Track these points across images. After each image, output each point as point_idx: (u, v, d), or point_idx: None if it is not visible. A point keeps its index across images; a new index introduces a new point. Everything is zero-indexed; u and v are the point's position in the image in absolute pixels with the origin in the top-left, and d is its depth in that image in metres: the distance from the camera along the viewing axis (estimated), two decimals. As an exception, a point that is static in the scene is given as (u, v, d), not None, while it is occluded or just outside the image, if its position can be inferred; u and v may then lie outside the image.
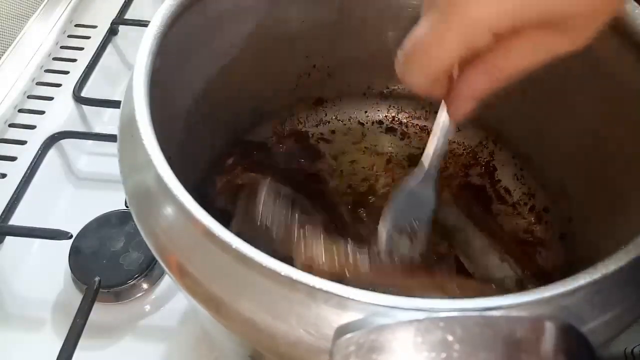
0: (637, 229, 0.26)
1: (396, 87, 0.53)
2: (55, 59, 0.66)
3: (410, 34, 0.26)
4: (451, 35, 0.25)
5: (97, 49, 0.65)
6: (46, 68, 0.64)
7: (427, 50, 0.26)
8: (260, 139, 0.51)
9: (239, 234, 0.24)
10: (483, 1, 0.23)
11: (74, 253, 0.48)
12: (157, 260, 0.47)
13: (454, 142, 0.52)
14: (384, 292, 0.22)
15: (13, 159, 0.56)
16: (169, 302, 0.48)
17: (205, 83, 0.42)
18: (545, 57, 0.27)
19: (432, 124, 0.50)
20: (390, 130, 0.54)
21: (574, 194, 0.44)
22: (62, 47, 0.67)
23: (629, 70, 0.36)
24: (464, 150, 0.53)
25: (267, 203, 0.40)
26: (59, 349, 0.42)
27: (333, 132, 0.54)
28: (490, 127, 0.51)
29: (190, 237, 0.25)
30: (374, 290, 0.21)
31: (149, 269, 0.48)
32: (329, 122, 0.54)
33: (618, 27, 0.35)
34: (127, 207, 0.50)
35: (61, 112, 0.60)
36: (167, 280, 0.49)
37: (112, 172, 0.55)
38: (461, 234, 0.46)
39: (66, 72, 0.64)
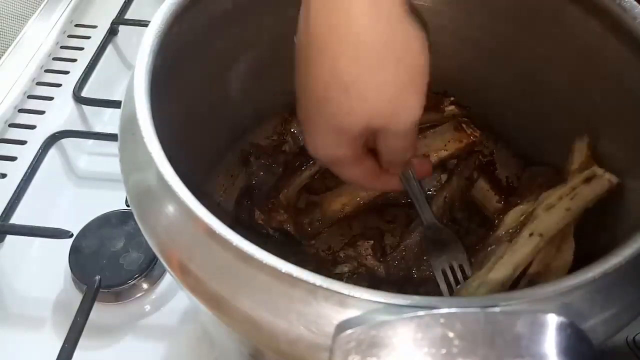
0: (636, 228, 0.26)
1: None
2: (55, 59, 0.66)
3: None
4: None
5: (97, 49, 0.65)
6: (46, 68, 0.64)
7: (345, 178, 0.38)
8: (260, 139, 0.52)
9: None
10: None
11: (74, 253, 0.48)
12: (157, 260, 0.48)
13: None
14: (384, 289, 0.22)
15: (13, 158, 0.56)
16: (169, 302, 0.48)
17: (206, 83, 0.42)
18: (395, 139, 0.34)
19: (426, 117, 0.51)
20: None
21: (574, 194, 0.44)
22: (62, 47, 0.67)
23: (629, 70, 0.36)
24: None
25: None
26: (59, 349, 0.42)
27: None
28: (490, 127, 0.51)
29: (191, 235, 0.26)
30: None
31: (149, 269, 0.48)
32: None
33: (617, 27, 0.35)
34: (127, 206, 0.50)
35: (61, 112, 0.60)
36: (167, 280, 0.49)
37: (113, 172, 0.56)
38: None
39: (66, 72, 0.64)
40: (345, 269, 0.45)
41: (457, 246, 0.44)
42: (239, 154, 0.50)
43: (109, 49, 0.67)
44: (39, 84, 0.63)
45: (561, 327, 0.19)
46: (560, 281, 0.22)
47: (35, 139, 0.57)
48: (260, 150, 0.50)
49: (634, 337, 0.41)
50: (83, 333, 0.43)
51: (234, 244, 0.23)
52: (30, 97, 0.62)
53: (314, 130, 0.34)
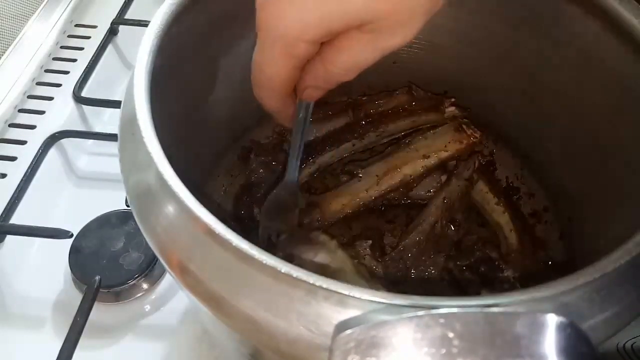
0: (636, 228, 0.26)
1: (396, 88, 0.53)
2: (55, 59, 0.66)
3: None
4: (273, 53, 0.28)
5: (97, 49, 0.65)
6: (46, 68, 0.64)
7: (263, 72, 0.30)
8: (260, 138, 0.52)
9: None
10: (287, 19, 0.26)
11: (74, 253, 0.48)
12: (157, 260, 0.48)
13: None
14: (384, 289, 0.22)
15: (13, 158, 0.56)
16: (169, 302, 0.48)
17: (206, 83, 0.42)
18: (374, 54, 0.28)
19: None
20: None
21: (574, 194, 0.44)
22: (62, 47, 0.67)
23: (629, 70, 0.36)
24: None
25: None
26: (59, 349, 0.42)
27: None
28: (490, 127, 0.51)
29: (191, 235, 0.26)
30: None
31: (149, 269, 0.48)
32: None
33: (617, 27, 0.35)
34: (127, 206, 0.50)
35: (61, 112, 0.60)
36: (167, 280, 0.49)
37: (113, 172, 0.56)
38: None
39: (66, 72, 0.64)
40: (343, 268, 0.45)
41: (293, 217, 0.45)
42: (240, 150, 0.50)
43: (109, 49, 0.67)
44: (39, 84, 0.63)
45: (561, 327, 0.19)
46: (560, 281, 0.22)
47: (35, 139, 0.57)
48: (260, 147, 0.50)
49: (624, 344, 0.40)
50: (83, 333, 0.43)
51: (234, 244, 0.23)
52: (30, 97, 0.62)
53: None
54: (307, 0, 0.25)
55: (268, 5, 0.26)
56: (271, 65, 0.29)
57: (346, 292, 0.21)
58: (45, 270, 0.50)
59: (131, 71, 0.31)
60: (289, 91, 0.31)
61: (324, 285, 0.22)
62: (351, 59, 0.29)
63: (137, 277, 0.47)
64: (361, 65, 0.29)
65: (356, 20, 0.26)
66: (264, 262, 0.23)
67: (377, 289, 0.22)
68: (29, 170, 0.54)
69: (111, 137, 0.57)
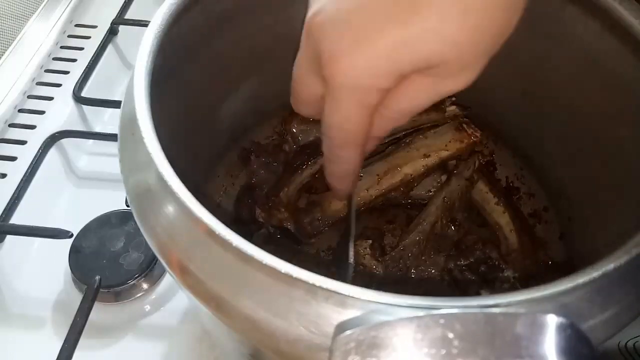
0: (636, 228, 0.26)
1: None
2: (55, 59, 0.66)
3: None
4: (350, 106, 0.28)
5: (97, 49, 0.65)
6: (46, 68, 0.64)
7: (344, 129, 0.29)
8: (260, 139, 0.52)
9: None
10: (361, 68, 0.26)
11: (74, 253, 0.48)
12: (157, 260, 0.48)
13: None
14: (384, 289, 0.22)
15: (13, 159, 0.56)
16: (169, 302, 0.48)
17: (206, 83, 0.42)
18: (433, 98, 0.29)
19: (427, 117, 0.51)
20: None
21: (574, 194, 0.44)
22: (62, 47, 0.67)
23: (629, 70, 0.36)
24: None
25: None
26: (59, 349, 0.42)
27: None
28: (490, 127, 0.51)
29: (191, 236, 0.25)
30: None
31: (149, 269, 0.48)
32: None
33: (617, 27, 0.35)
34: (127, 206, 0.50)
35: (61, 112, 0.60)
36: (167, 280, 0.49)
37: (113, 172, 0.56)
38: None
39: (66, 72, 0.64)
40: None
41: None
42: (240, 152, 0.50)
43: (109, 49, 0.67)
44: (39, 84, 0.63)
45: (561, 328, 0.19)
46: (560, 281, 0.22)
47: (35, 139, 0.57)
48: (260, 148, 0.50)
49: (625, 343, 0.40)
50: (83, 333, 0.43)
51: (234, 244, 0.23)
52: (30, 97, 0.62)
53: (363, 38, 0.25)
54: (377, 48, 0.25)
55: (340, 57, 0.26)
56: (351, 119, 0.29)
57: (346, 293, 0.21)
58: (45, 270, 0.50)
59: (131, 71, 0.31)
60: (364, 143, 0.31)
61: (324, 285, 0.22)
62: (410, 103, 0.29)
63: (137, 277, 0.47)
64: (418, 109, 0.29)
65: (423, 63, 0.26)
66: (264, 262, 0.23)
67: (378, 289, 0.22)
68: (29, 170, 0.54)
69: (111, 137, 0.57)
